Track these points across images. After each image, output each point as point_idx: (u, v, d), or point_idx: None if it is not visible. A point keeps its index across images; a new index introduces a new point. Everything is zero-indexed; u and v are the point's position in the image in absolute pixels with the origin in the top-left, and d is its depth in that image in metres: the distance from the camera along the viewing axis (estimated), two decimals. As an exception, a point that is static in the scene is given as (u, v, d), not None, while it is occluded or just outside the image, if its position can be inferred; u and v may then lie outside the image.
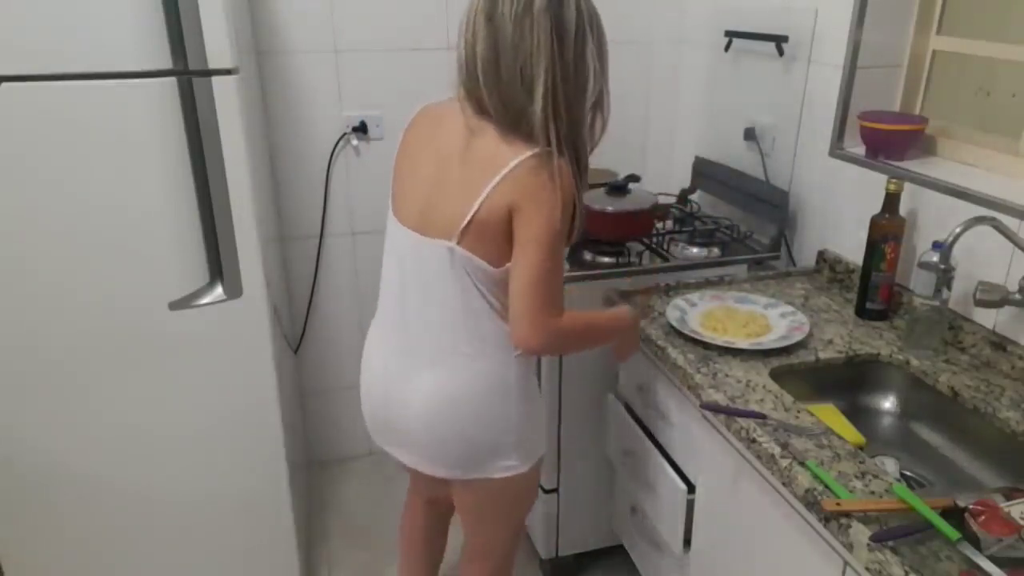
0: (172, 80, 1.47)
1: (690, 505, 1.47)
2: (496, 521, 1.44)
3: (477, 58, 1.13)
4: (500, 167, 1.13)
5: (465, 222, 1.16)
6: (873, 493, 1.03)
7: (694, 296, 1.60)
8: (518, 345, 1.21)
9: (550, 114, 1.13)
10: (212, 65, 1.47)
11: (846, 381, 1.41)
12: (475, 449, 1.29)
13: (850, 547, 0.97)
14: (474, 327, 1.24)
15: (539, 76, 1.12)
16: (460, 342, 1.25)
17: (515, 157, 1.13)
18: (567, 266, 1.73)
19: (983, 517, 0.94)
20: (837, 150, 1.70)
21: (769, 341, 1.42)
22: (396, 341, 1.33)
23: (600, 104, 1.25)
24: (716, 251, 1.87)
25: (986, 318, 1.38)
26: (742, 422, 1.19)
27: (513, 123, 1.15)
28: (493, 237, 1.17)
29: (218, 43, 1.46)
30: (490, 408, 1.27)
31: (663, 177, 2.43)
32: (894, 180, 1.45)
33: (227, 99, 1.50)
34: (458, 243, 1.18)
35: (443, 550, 1.73)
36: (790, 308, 1.54)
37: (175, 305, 1.61)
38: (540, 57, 1.11)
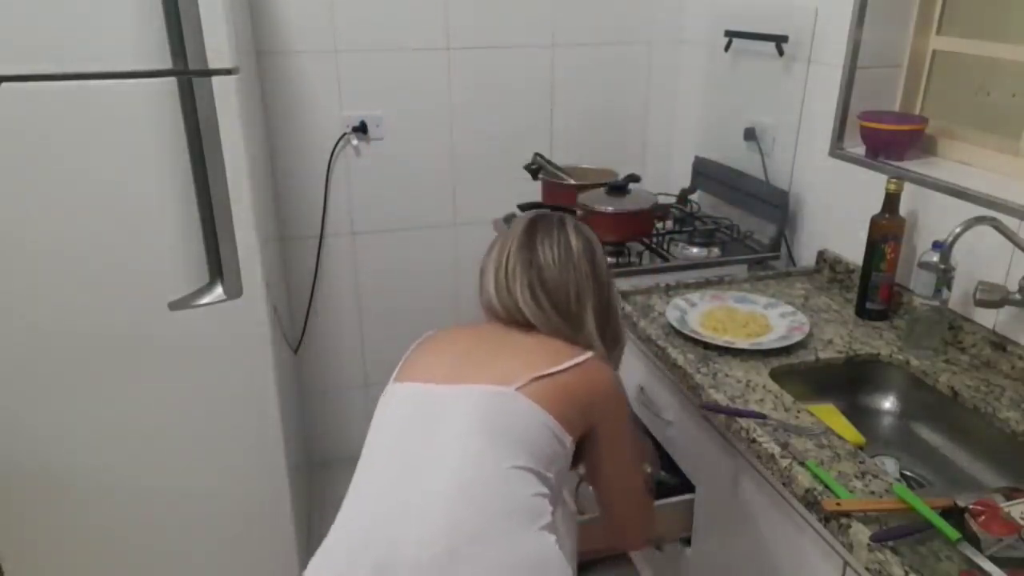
0: (172, 80, 1.47)
1: (690, 505, 1.47)
2: None
3: (517, 296, 1.16)
4: (575, 353, 1.10)
5: (541, 374, 1.04)
6: (873, 493, 1.03)
7: (694, 296, 1.60)
8: (632, 548, 1.22)
9: (599, 334, 1.20)
10: (212, 65, 1.47)
11: (846, 381, 1.41)
12: None
13: (850, 547, 0.97)
14: (509, 493, 0.96)
15: (587, 306, 1.19)
16: (489, 514, 0.93)
17: (586, 351, 1.12)
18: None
19: (983, 517, 0.94)
20: (837, 150, 1.70)
21: (769, 341, 1.42)
22: (370, 546, 0.94)
23: (621, 335, 1.30)
24: (716, 251, 1.87)
25: (986, 318, 1.38)
26: (742, 422, 1.19)
27: (569, 334, 1.17)
28: (569, 402, 1.05)
29: (218, 43, 1.46)
30: None
31: (663, 177, 2.44)
32: (894, 180, 1.45)
33: (227, 99, 1.50)
34: (519, 389, 1.01)
35: None
36: (790, 308, 1.54)
37: (175, 305, 1.61)
38: (584, 293, 1.19)
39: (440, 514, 0.92)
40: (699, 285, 1.70)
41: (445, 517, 0.92)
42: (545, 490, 0.99)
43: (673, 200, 2.17)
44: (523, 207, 1.79)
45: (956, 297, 1.41)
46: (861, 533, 0.95)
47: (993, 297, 1.25)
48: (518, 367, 1.05)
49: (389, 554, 0.91)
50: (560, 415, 1.03)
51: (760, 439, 1.15)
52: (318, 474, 2.49)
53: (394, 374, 1.14)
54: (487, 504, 0.94)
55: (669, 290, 1.67)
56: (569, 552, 1.15)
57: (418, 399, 1.05)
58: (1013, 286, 1.28)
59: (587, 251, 1.22)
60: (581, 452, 1.14)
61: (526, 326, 1.16)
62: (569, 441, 1.05)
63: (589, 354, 1.12)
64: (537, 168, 2.07)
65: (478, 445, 0.97)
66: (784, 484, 1.10)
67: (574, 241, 1.22)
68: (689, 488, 1.47)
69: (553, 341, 1.15)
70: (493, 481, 0.95)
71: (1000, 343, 1.34)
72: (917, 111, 1.68)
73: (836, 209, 1.73)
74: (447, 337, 1.18)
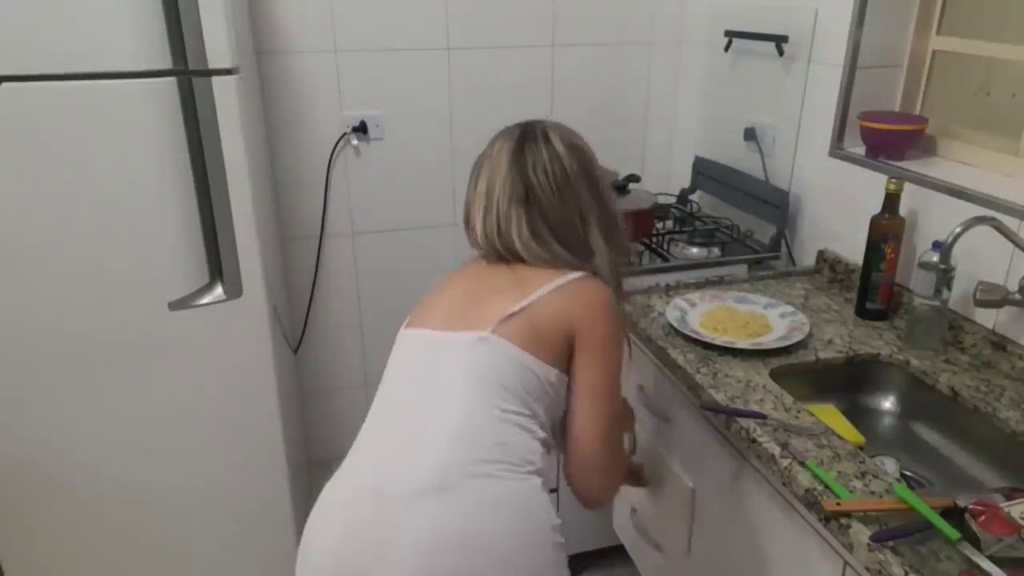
0: (172, 80, 1.47)
1: (690, 505, 1.47)
2: None
3: (513, 237, 1.13)
4: (559, 275, 1.11)
5: (508, 313, 1.06)
6: (873, 493, 1.03)
7: (694, 296, 1.60)
8: (584, 499, 1.14)
9: (610, 255, 1.17)
10: (212, 65, 1.47)
11: (846, 381, 1.41)
12: None
13: (850, 547, 0.97)
14: (497, 437, 1.01)
15: (592, 228, 1.16)
16: (476, 457, 0.99)
17: (574, 272, 1.12)
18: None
19: (983, 517, 0.94)
20: (837, 150, 1.70)
21: (769, 341, 1.42)
22: (372, 472, 1.02)
23: (622, 235, 1.24)
24: (716, 251, 1.87)
25: (986, 318, 1.38)
26: (742, 422, 1.19)
27: (577, 265, 1.15)
28: (543, 335, 1.06)
29: (218, 43, 1.46)
30: (517, 545, 0.99)
31: (663, 177, 2.43)
32: (894, 180, 1.45)
33: (227, 99, 1.50)
34: (493, 332, 1.05)
35: None
36: (790, 308, 1.54)
37: (175, 305, 1.61)
38: (589, 212, 1.16)
39: (434, 455, 0.99)
40: (699, 285, 1.70)
41: (438, 457, 0.99)
42: (535, 429, 1.05)
43: (673, 200, 2.17)
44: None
45: (956, 297, 1.41)
46: (861, 533, 0.95)
47: (993, 297, 1.25)
48: (496, 308, 1.07)
49: (387, 484, 0.99)
50: (538, 350, 1.05)
51: (760, 439, 1.15)
52: (318, 474, 2.49)
53: (406, 320, 1.19)
54: (476, 449, 1.00)
55: (669, 290, 1.67)
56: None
57: (419, 346, 1.11)
58: (1013, 286, 1.28)
59: (582, 166, 1.16)
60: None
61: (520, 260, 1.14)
62: (555, 374, 1.07)
63: (573, 275, 1.11)
64: (537, 168, 2.07)
65: (468, 393, 1.03)
66: (784, 484, 1.10)
67: (566, 159, 1.14)
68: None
69: (537, 269, 1.12)
70: (483, 427, 1.01)
71: (1000, 343, 1.34)
72: (917, 111, 1.68)
73: (836, 209, 1.73)
74: (449, 282, 1.20)
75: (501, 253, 1.16)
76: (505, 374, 1.04)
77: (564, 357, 1.09)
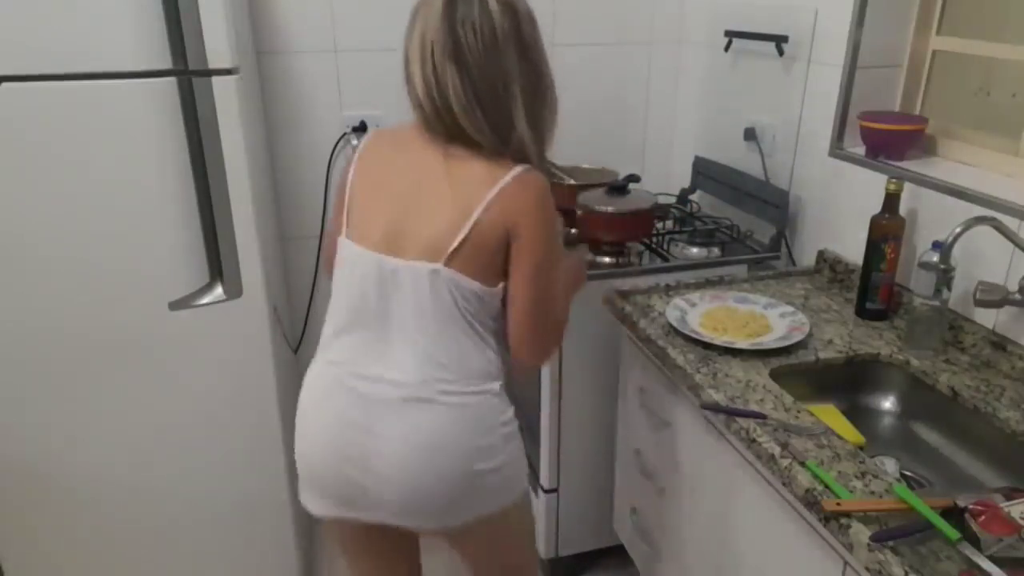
0: (172, 80, 1.47)
1: (689, 505, 1.47)
2: (509, 553, 1.34)
3: (450, 96, 1.12)
4: (491, 184, 1.12)
5: (456, 243, 1.11)
6: (873, 493, 1.03)
7: (694, 296, 1.60)
8: (522, 361, 1.21)
9: (530, 131, 1.16)
10: (212, 65, 1.47)
11: (846, 381, 1.41)
12: (465, 493, 1.17)
13: (850, 547, 0.97)
14: (458, 358, 1.16)
15: (516, 99, 1.14)
16: (443, 376, 1.15)
17: (505, 174, 1.13)
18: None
19: (983, 517, 0.94)
20: (837, 150, 1.70)
21: (769, 341, 1.42)
22: (357, 383, 1.17)
23: (555, 99, 1.23)
24: (716, 251, 1.87)
25: (986, 318, 1.38)
26: (742, 422, 1.19)
27: (498, 146, 1.15)
28: (487, 257, 1.13)
29: (218, 43, 1.46)
30: (477, 445, 1.17)
31: (663, 177, 2.43)
32: (894, 180, 1.45)
33: (227, 99, 1.50)
34: (445, 264, 1.12)
35: None
36: (790, 308, 1.54)
37: (175, 305, 1.61)
38: (514, 81, 1.13)
39: (411, 373, 1.15)
40: (699, 285, 1.70)
41: (414, 375, 1.15)
42: (489, 341, 1.19)
43: (673, 200, 2.17)
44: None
45: (956, 297, 1.41)
46: (861, 533, 0.95)
47: (993, 297, 1.25)
48: (437, 232, 1.13)
49: (373, 393, 1.16)
50: (485, 276, 1.14)
51: (760, 439, 1.15)
52: (318, 474, 2.49)
53: (344, 216, 1.22)
54: (444, 368, 1.15)
55: (669, 290, 1.67)
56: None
57: (371, 269, 1.17)
58: (1013, 286, 1.28)
59: (513, 26, 1.12)
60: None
61: (452, 133, 1.14)
62: (501, 288, 1.17)
63: (508, 175, 1.12)
64: (537, 168, 2.07)
65: (430, 318, 1.14)
66: (784, 484, 1.10)
67: (497, 16, 1.11)
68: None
69: (472, 169, 1.13)
70: (446, 348, 1.15)
71: (1000, 343, 1.34)
72: (917, 111, 1.68)
73: (836, 209, 1.73)
74: (380, 177, 1.21)
75: (440, 114, 1.13)
76: (458, 301, 1.14)
77: (506, 262, 1.16)
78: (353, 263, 1.19)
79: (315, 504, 1.24)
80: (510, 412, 1.23)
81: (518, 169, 1.13)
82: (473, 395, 1.17)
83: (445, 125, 1.14)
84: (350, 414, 1.16)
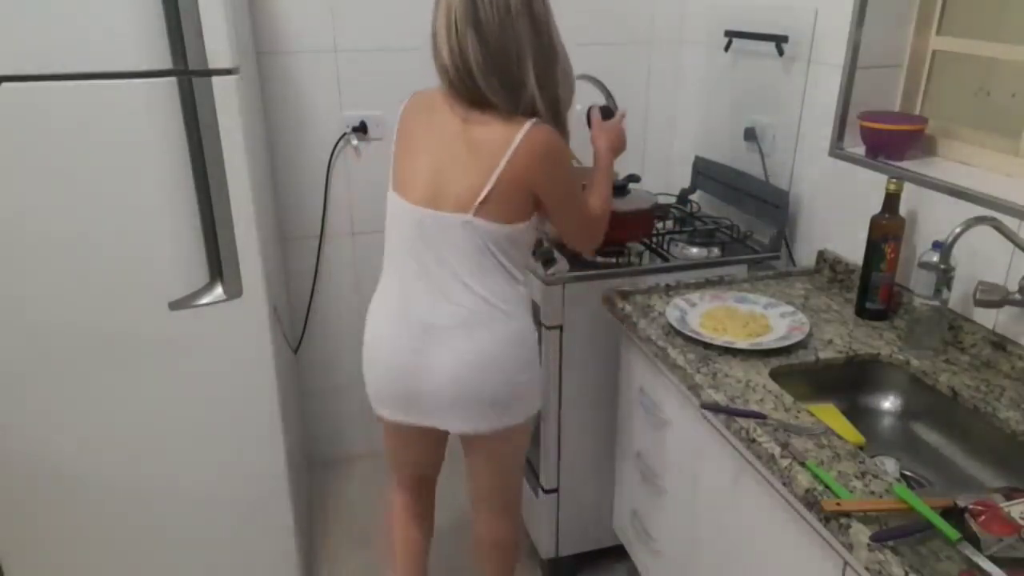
0: (172, 80, 1.47)
1: (689, 505, 1.47)
2: (503, 467, 1.56)
3: (471, 61, 1.29)
4: (508, 143, 1.30)
5: (482, 197, 1.31)
6: (873, 493, 1.03)
7: (694, 296, 1.60)
8: (585, 249, 1.57)
9: (540, 93, 1.32)
10: (212, 65, 1.47)
11: (846, 381, 1.41)
12: (498, 402, 1.42)
13: (850, 547, 0.97)
14: (492, 288, 1.38)
15: (527, 65, 1.31)
16: (481, 304, 1.38)
17: (519, 131, 1.30)
18: (567, 265, 1.73)
19: (983, 517, 0.94)
20: (837, 150, 1.70)
21: (769, 341, 1.42)
22: (412, 313, 1.41)
23: (568, 68, 1.40)
24: (716, 251, 1.87)
25: (986, 318, 1.38)
26: (742, 422, 1.19)
27: (511, 107, 1.32)
28: (512, 204, 1.34)
29: (218, 43, 1.46)
30: (516, 360, 1.42)
31: (663, 177, 2.44)
32: (894, 180, 1.45)
33: (227, 99, 1.50)
34: (475, 215, 1.32)
35: (430, 535, 1.80)
36: (790, 308, 1.54)
37: (175, 305, 1.61)
38: (526, 49, 1.30)
39: (457, 304, 1.38)
40: (699, 285, 1.70)
41: (461, 306, 1.38)
42: (517, 276, 1.41)
43: (673, 200, 2.17)
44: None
45: (956, 297, 1.41)
46: (861, 533, 0.95)
47: (993, 297, 1.25)
48: (466, 189, 1.32)
49: (428, 321, 1.39)
50: (511, 218, 1.34)
51: (760, 439, 1.15)
52: (318, 474, 2.49)
53: (391, 172, 1.46)
54: (485, 299, 1.37)
55: (669, 290, 1.67)
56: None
57: (414, 222, 1.38)
58: (1013, 286, 1.28)
59: (524, 4, 1.30)
60: None
61: (473, 97, 1.32)
62: (528, 224, 1.38)
63: (519, 135, 1.29)
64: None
65: (467, 258, 1.36)
66: (784, 484, 1.10)
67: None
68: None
69: (491, 131, 1.32)
70: (484, 283, 1.37)
71: (1000, 343, 1.34)
72: (917, 111, 1.68)
73: (836, 209, 1.73)
74: (415, 143, 1.42)
75: (463, 77, 1.31)
76: (490, 243, 1.35)
77: (532, 205, 1.37)
78: (401, 217, 1.41)
79: (385, 412, 1.51)
80: (536, 335, 1.47)
81: (527, 126, 1.30)
82: (511, 317, 1.40)
83: (467, 88, 1.31)
84: (412, 343, 1.40)
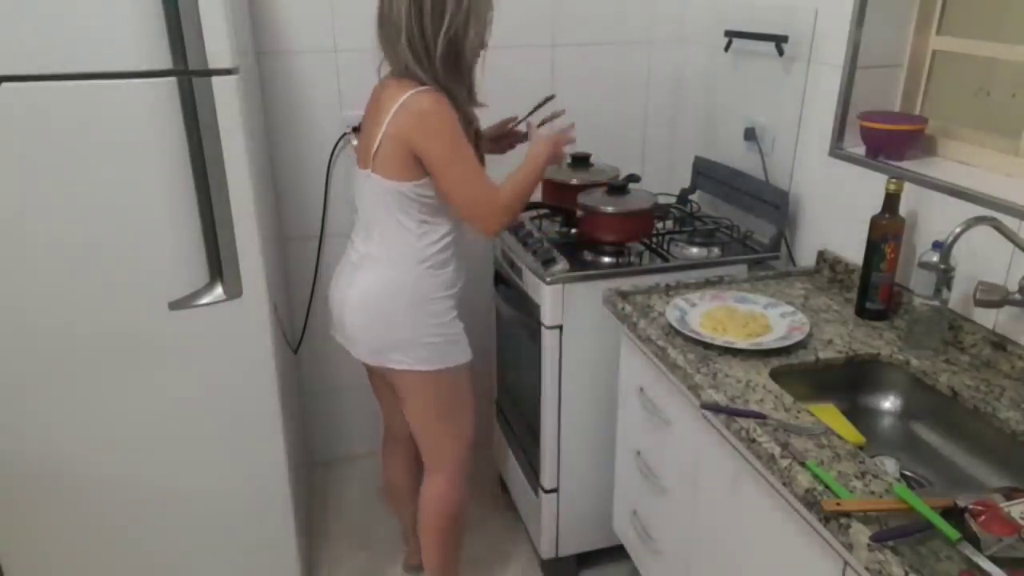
0: (172, 80, 1.47)
1: (689, 505, 1.47)
2: (415, 412, 1.70)
3: (376, 26, 1.52)
4: (391, 105, 1.45)
5: (372, 153, 1.49)
6: (873, 493, 1.03)
7: (694, 296, 1.60)
8: (484, 234, 1.57)
9: (414, 55, 1.46)
10: (212, 65, 1.47)
11: (846, 381, 1.41)
12: (376, 340, 1.61)
13: (850, 547, 0.97)
14: (384, 238, 1.56)
15: (402, 35, 1.45)
16: (374, 250, 1.57)
17: (402, 95, 1.45)
18: (567, 265, 1.73)
19: (983, 517, 0.94)
20: (837, 150, 1.70)
21: (769, 341, 1.42)
22: (348, 252, 1.67)
23: (462, 36, 1.48)
24: (716, 251, 1.87)
25: (986, 318, 1.38)
26: (742, 422, 1.19)
27: (400, 70, 1.49)
28: (399, 161, 1.47)
29: (218, 43, 1.46)
30: (383, 307, 1.58)
31: (663, 177, 2.44)
32: (894, 180, 1.45)
33: (227, 99, 1.50)
34: (372, 171, 1.51)
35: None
36: (790, 308, 1.54)
37: (175, 305, 1.61)
38: (402, 21, 1.44)
39: (357, 250, 1.63)
40: (699, 285, 1.70)
41: (359, 250, 1.62)
42: (412, 229, 1.54)
43: (673, 200, 2.17)
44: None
45: (956, 297, 1.41)
46: (861, 533, 0.95)
47: (993, 297, 1.25)
48: (369, 146, 1.51)
49: (348, 260, 1.67)
50: (399, 173, 1.49)
51: (760, 439, 1.15)
52: (318, 474, 2.50)
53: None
54: (380, 246, 1.57)
55: (669, 290, 1.67)
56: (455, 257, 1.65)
57: (356, 179, 1.62)
58: (1013, 286, 1.28)
59: None
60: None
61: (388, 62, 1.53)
62: (421, 183, 1.50)
63: (404, 96, 1.44)
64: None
65: (373, 210, 1.56)
66: (784, 484, 1.10)
67: None
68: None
69: (387, 93, 1.49)
70: (379, 232, 1.56)
71: (1000, 343, 1.34)
72: (917, 111, 1.68)
73: (836, 209, 1.73)
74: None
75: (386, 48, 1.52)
76: (387, 197, 1.51)
77: (419, 165, 1.48)
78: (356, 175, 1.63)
79: (334, 334, 1.73)
80: (435, 296, 1.59)
81: (410, 92, 1.45)
82: (392, 267, 1.56)
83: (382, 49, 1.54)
84: (338, 278, 1.67)
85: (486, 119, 1.72)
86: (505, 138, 1.86)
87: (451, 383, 1.67)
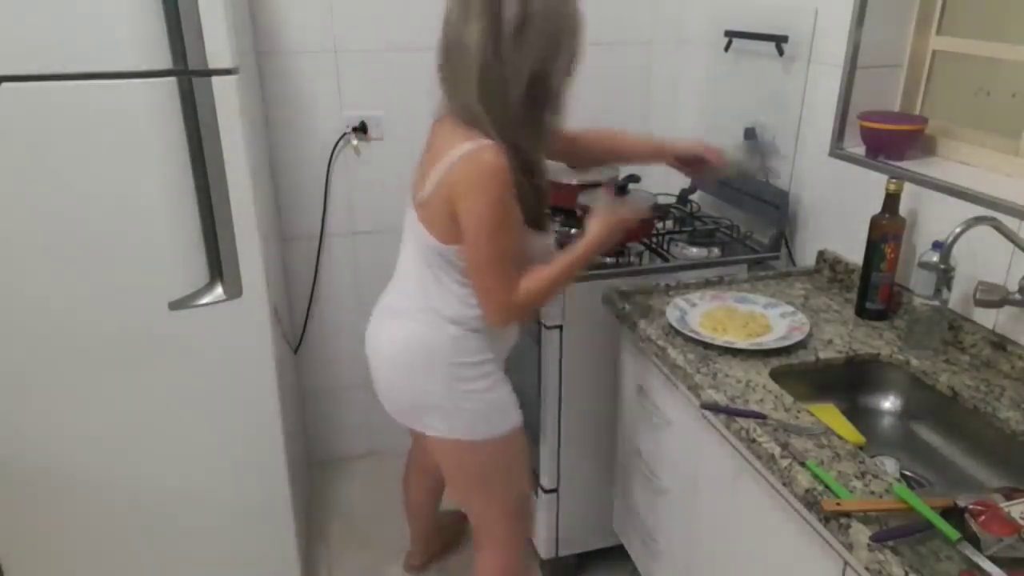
0: (172, 80, 1.47)
1: (689, 505, 1.47)
2: (455, 483, 1.57)
3: (437, 59, 1.31)
4: (446, 154, 1.27)
5: (421, 199, 1.33)
6: (873, 493, 1.03)
7: (694, 296, 1.60)
8: (488, 320, 1.36)
9: (485, 95, 1.24)
10: (212, 65, 1.47)
11: (846, 381, 1.41)
12: (407, 399, 1.47)
13: (850, 547, 0.97)
14: (423, 292, 1.40)
15: (473, 73, 1.23)
16: (411, 303, 1.42)
17: (460, 147, 1.25)
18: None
19: (983, 517, 0.94)
20: (837, 150, 1.70)
21: (769, 341, 1.42)
22: (385, 295, 1.53)
23: (544, 94, 1.28)
24: (716, 251, 1.87)
25: (986, 318, 1.38)
26: (742, 422, 1.19)
27: (461, 116, 1.28)
28: (439, 216, 1.30)
29: (218, 43, 1.46)
30: (415, 366, 1.42)
31: (663, 177, 2.43)
32: (894, 180, 1.45)
33: (227, 99, 1.50)
34: (419, 218, 1.35)
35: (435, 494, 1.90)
36: (790, 308, 1.54)
37: (175, 305, 1.61)
38: (475, 54, 1.22)
39: (393, 299, 1.49)
40: (699, 285, 1.70)
41: (395, 302, 1.48)
42: (453, 288, 1.36)
43: (673, 200, 2.17)
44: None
45: (956, 297, 1.41)
46: (861, 533, 0.95)
47: (993, 297, 1.25)
48: (420, 185, 1.34)
49: (381, 308, 1.53)
50: (442, 233, 1.31)
51: (760, 439, 1.15)
52: (318, 474, 2.49)
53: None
54: (414, 299, 1.42)
55: (669, 290, 1.67)
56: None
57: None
58: (1013, 286, 1.28)
59: (490, 9, 1.19)
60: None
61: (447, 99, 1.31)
62: (454, 250, 1.32)
63: (454, 153, 1.24)
64: (537, 168, 2.07)
65: (413, 259, 1.41)
66: (784, 484, 1.10)
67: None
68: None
69: (446, 139, 1.28)
70: (418, 285, 1.40)
71: (1000, 343, 1.34)
72: (917, 111, 1.68)
73: (836, 209, 1.73)
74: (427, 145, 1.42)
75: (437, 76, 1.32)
76: (428, 253, 1.35)
77: (457, 232, 1.29)
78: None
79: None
80: (475, 360, 1.41)
81: (469, 145, 1.24)
82: (426, 324, 1.39)
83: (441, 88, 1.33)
84: (375, 316, 1.53)
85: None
86: (695, 163, 1.66)
87: (495, 453, 1.47)
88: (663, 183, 2.39)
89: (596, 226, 1.40)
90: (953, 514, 0.96)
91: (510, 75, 1.22)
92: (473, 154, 1.23)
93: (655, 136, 1.71)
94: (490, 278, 1.30)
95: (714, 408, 1.25)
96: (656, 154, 1.71)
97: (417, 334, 1.41)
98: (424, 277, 1.38)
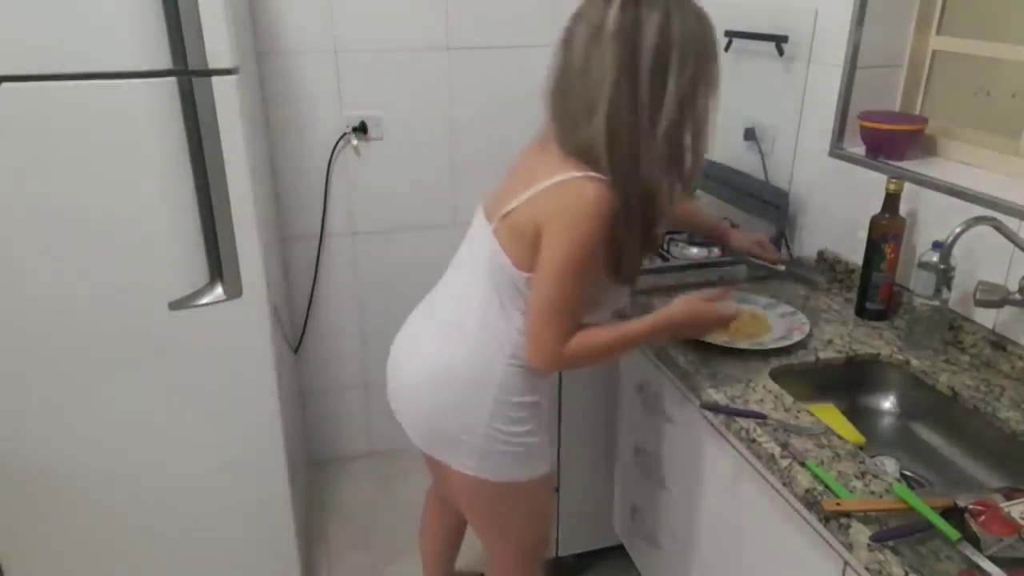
0: (172, 80, 1.47)
1: (689, 505, 1.47)
2: (471, 514, 1.45)
3: (551, 85, 1.18)
4: (545, 179, 1.16)
5: (504, 212, 1.21)
6: (873, 493, 1.03)
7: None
8: (527, 361, 1.24)
9: (605, 144, 1.11)
10: (212, 65, 1.47)
11: (846, 381, 1.41)
12: (438, 430, 1.32)
13: (850, 547, 0.97)
14: (484, 314, 1.26)
15: (601, 105, 1.10)
16: (469, 321, 1.28)
17: (559, 175, 1.14)
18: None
19: (983, 517, 0.94)
20: (837, 150, 1.70)
21: (769, 341, 1.42)
22: (423, 306, 1.41)
23: (679, 137, 1.14)
24: (716, 251, 1.87)
25: (986, 318, 1.38)
26: (742, 422, 1.19)
27: (574, 150, 1.15)
28: (520, 239, 1.19)
29: (218, 43, 1.46)
30: (458, 399, 1.28)
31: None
32: (894, 180, 1.45)
33: (227, 99, 1.50)
34: (494, 232, 1.23)
35: (457, 543, 1.79)
36: (790, 308, 1.54)
37: (175, 305, 1.61)
38: (604, 86, 1.09)
39: (438, 311, 1.36)
40: (699, 285, 1.70)
41: (445, 316, 1.34)
42: (513, 317, 1.24)
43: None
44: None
45: (956, 297, 1.41)
46: (861, 533, 0.95)
47: (993, 297, 1.25)
48: (507, 202, 1.21)
49: (433, 309, 1.38)
50: (512, 252, 1.20)
51: (760, 439, 1.15)
52: (318, 474, 2.49)
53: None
54: (467, 320, 1.28)
55: (669, 290, 1.67)
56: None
57: (475, 221, 1.32)
58: (1013, 286, 1.28)
59: (625, 35, 1.05)
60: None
61: (551, 123, 1.19)
62: (524, 279, 1.21)
63: (553, 179, 1.14)
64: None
65: (475, 275, 1.28)
66: (784, 484, 1.10)
67: (612, 20, 1.04)
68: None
69: (545, 162, 1.17)
70: (476, 306, 1.27)
71: (1000, 343, 1.34)
72: (917, 111, 1.68)
73: (836, 209, 1.73)
74: (514, 165, 1.32)
75: (548, 105, 1.21)
76: (498, 273, 1.23)
77: (533, 260, 1.19)
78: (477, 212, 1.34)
79: (389, 402, 1.43)
80: (523, 399, 1.29)
81: (572, 173, 1.13)
82: (480, 349, 1.26)
83: (547, 113, 1.21)
84: (408, 327, 1.41)
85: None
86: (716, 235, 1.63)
87: (517, 496, 1.37)
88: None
89: (678, 306, 1.27)
90: (953, 514, 0.96)
91: (646, 116, 1.10)
92: (576, 182, 1.12)
93: (722, 222, 1.71)
94: (545, 321, 1.18)
95: (714, 408, 1.25)
96: (718, 237, 1.72)
97: (469, 362, 1.27)
98: (489, 298, 1.25)
